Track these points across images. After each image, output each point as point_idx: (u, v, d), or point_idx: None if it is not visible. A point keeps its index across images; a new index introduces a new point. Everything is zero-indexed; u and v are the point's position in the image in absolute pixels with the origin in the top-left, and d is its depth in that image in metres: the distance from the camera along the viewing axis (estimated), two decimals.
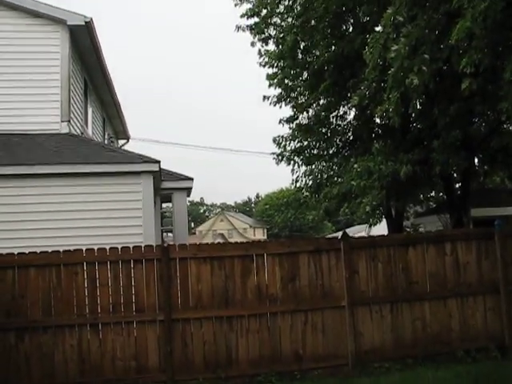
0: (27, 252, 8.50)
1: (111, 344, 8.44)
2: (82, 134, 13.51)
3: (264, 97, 16.37)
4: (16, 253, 8.45)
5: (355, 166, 12.68)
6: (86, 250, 8.55)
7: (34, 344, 8.27)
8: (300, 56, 15.57)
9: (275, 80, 16.31)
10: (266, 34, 15.90)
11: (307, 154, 16.61)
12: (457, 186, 15.99)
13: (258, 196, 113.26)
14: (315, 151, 16.67)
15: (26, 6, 12.35)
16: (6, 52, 12.12)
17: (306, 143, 16.59)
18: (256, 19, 15.57)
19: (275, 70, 16.47)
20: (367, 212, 12.41)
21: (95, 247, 8.60)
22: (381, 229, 16.80)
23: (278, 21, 15.68)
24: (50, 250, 8.52)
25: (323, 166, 16.78)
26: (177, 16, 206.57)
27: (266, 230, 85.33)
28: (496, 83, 10.23)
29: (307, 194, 17.24)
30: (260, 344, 8.76)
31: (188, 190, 14.57)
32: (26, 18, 12.45)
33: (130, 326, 8.53)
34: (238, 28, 15.83)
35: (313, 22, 14.01)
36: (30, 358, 8.23)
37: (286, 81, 16.30)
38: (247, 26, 15.75)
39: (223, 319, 8.73)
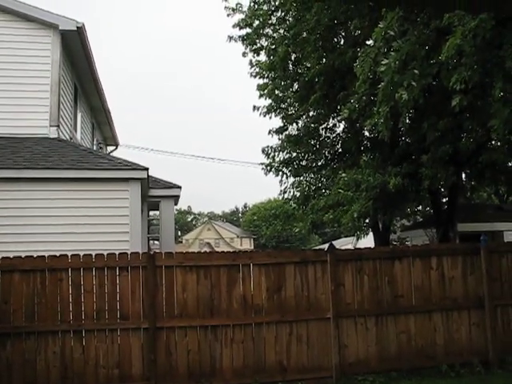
0: (11, 256, 8.43)
1: (94, 351, 8.37)
2: (70, 139, 13.44)
3: (254, 107, 16.41)
4: (0, 257, 8.37)
5: (343, 175, 12.73)
6: (72, 255, 8.49)
7: (17, 350, 8.18)
8: (291, 67, 15.66)
9: (266, 90, 16.36)
10: (258, 44, 15.97)
11: (296, 166, 16.66)
12: (444, 200, 16.10)
13: (245, 206, 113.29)
14: (304, 163, 16.73)
15: (19, 10, 12.29)
16: None
17: (294, 154, 16.64)
18: (248, 30, 15.64)
19: (266, 80, 16.53)
20: (353, 219, 12.40)
21: (81, 253, 8.54)
22: (367, 242, 16.83)
23: (270, 32, 15.76)
24: (35, 255, 8.45)
25: (311, 178, 16.84)
26: (172, 24, 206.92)
27: (253, 241, 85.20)
28: (485, 100, 10.34)
29: (295, 205, 17.26)
30: (244, 354, 8.74)
31: (175, 198, 14.52)
32: (17, 21, 12.39)
33: (113, 333, 8.47)
34: (231, 38, 15.89)
35: (304, 34, 14.10)
36: (12, 364, 8.14)
37: (277, 92, 16.36)
38: (239, 37, 15.82)
39: (208, 328, 8.70)
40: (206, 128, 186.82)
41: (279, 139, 16.96)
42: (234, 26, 15.61)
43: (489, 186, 16.38)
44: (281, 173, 16.67)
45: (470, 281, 9.59)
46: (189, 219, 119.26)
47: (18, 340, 8.21)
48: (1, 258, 8.37)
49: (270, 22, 15.49)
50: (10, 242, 9.66)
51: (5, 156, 10.82)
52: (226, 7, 15.62)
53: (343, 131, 16.21)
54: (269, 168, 16.74)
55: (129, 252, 8.89)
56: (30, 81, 12.17)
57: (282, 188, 16.90)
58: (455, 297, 9.50)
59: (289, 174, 16.77)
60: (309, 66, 14.85)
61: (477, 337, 9.45)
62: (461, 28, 8.18)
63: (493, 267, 9.62)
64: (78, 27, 12.40)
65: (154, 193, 13.45)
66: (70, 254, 8.52)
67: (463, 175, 14.90)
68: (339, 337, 8.96)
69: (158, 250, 12.81)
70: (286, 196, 17.09)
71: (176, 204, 15.14)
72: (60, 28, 12.36)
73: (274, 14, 15.29)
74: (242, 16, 15.51)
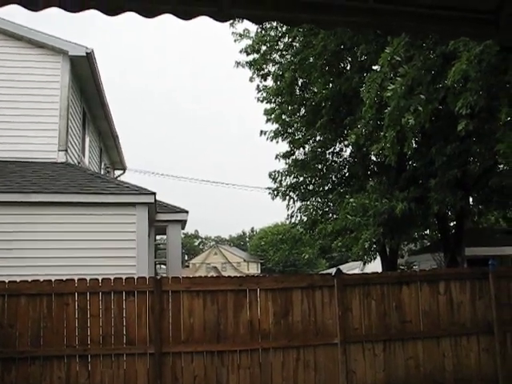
0: (18, 280, 8.42)
1: (100, 376, 8.31)
2: (78, 163, 13.54)
3: (261, 131, 16.51)
4: (7, 281, 8.38)
5: (351, 200, 12.72)
6: (78, 279, 8.48)
7: (21, 375, 8.13)
8: (298, 92, 15.79)
9: (273, 115, 16.48)
10: (265, 70, 16.11)
11: (302, 190, 16.69)
12: (451, 224, 16.03)
13: (252, 230, 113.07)
14: (311, 187, 16.76)
15: (30, 37, 12.49)
16: (6, 80, 12.21)
17: (301, 179, 16.68)
18: (255, 55, 15.80)
19: (273, 105, 16.65)
20: (365, 248, 12.39)
21: (88, 277, 8.53)
22: (375, 266, 16.75)
23: (277, 57, 15.91)
24: (41, 279, 8.45)
25: (318, 202, 16.83)
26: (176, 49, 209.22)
27: (260, 265, 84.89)
28: (492, 123, 10.36)
29: (302, 229, 17.24)
30: (251, 380, 8.65)
31: (182, 223, 14.53)
32: (28, 47, 12.58)
33: (119, 358, 8.41)
34: (238, 64, 16.05)
35: (311, 59, 14.23)
36: None
37: (284, 116, 16.47)
38: (246, 62, 15.98)
39: (214, 354, 8.63)
40: (213, 152, 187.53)
41: (286, 163, 17.03)
42: (241, 52, 15.78)
43: (496, 209, 16.30)
44: (288, 197, 16.70)
45: (478, 306, 9.50)
46: (196, 243, 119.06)
47: (23, 364, 8.16)
48: (7, 281, 8.37)
49: (277, 47, 15.66)
50: (17, 266, 9.67)
51: (13, 180, 10.90)
52: (233, 33, 15.81)
53: (350, 156, 16.26)
54: (276, 192, 16.78)
55: (135, 276, 8.88)
56: (39, 106, 12.30)
57: (289, 212, 16.92)
58: (463, 322, 9.41)
59: (296, 199, 16.80)
60: (316, 90, 14.96)
61: (486, 363, 9.33)
62: (466, 53, 8.25)
63: (502, 292, 9.52)
64: (87, 53, 12.58)
65: (161, 217, 13.46)
66: (76, 278, 8.51)
67: (471, 199, 14.86)
68: (347, 362, 8.86)
69: (164, 275, 12.79)
70: (293, 220, 17.09)
71: (183, 228, 15.15)
72: (69, 54, 12.54)
73: (281, 39, 15.47)
74: (249, 42, 15.69)
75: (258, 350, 8.78)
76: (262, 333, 8.83)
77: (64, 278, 8.52)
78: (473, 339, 9.37)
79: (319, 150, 16.11)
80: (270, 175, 16.90)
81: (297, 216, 16.90)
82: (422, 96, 9.38)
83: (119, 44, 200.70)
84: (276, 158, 16.98)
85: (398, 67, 9.68)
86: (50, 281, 8.44)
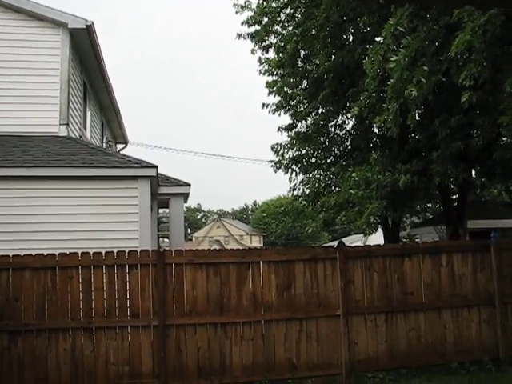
0: (22, 254, 8.47)
1: (105, 348, 8.40)
2: (80, 137, 13.50)
3: (263, 104, 16.42)
4: (11, 255, 8.43)
5: (353, 174, 12.70)
6: (82, 253, 8.53)
7: (27, 347, 8.23)
8: (300, 64, 15.65)
9: (275, 88, 16.38)
10: (267, 42, 15.95)
11: (305, 163, 16.65)
12: (454, 197, 16.03)
13: (255, 203, 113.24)
14: (313, 160, 16.71)
15: (28, 9, 12.36)
16: (6, 54, 12.13)
17: (304, 152, 16.64)
18: (257, 27, 15.63)
19: (275, 77, 16.53)
20: (369, 221, 12.40)
21: (91, 251, 8.58)
22: (377, 239, 16.83)
23: (279, 29, 15.74)
24: (45, 253, 8.50)
25: (321, 175, 16.81)
26: (181, 22, 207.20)
27: (262, 238, 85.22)
28: (495, 95, 10.28)
29: (304, 202, 17.26)
30: (254, 351, 8.74)
31: (185, 196, 14.55)
32: (27, 20, 12.46)
33: (123, 330, 8.49)
34: (239, 36, 15.89)
35: (313, 31, 14.08)
36: (22, 361, 8.19)
37: (286, 89, 16.36)
38: (248, 34, 15.82)
39: (218, 326, 8.71)
40: (215, 125, 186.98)
41: (288, 136, 16.97)
42: (242, 24, 15.61)
43: (499, 182, 16.27)
44: (290, 170, 16.68)
45: (480, 278, 9.54)
46: (198, 217, 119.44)
47: (28, 337, 8.25)
48: (11, 255, 8.42)
49: (278, 19, 15.48)
50: (20, 240, 9.72)
51: (15, 154, 10.88)
52: (234, 4, 15.63)
53: (352, 128, 16.18)
54: (278, 165, 16.75)
55: (138, 250, 8.92)
56: (40, 79, 12.24)
57: (292, 185, 16.93)
58: (465, 294, 9.46)
59: (298, 172, 16.78)
60: (318, 63, 14.83)
61: (487, 334, 9.41)
62: (470, 24, 8.14)
63: (503, 264, 9.56)
64: (87, 25, 12.46)
65: (163, 190, 13.48)
66: (80, 251, 8.56)
67: (473, 172, 14.82)
68: (349, 334, 8.94)
69: (167, 248, 12.85)
70: (295, 193, 17.11)
71: (185, 202, 15.17)
72: (69, 26, 12.42)
73: (283, 11, 15.27)
74: (251, 13, 15.50)
75: (261, 321, 8.86)
76: (264, 305, 8.90)
77: (67, 251, 8.57)
78: (474, 311, 9.44)
79: (321, 122, 16.03)
80: (272, 148, 16.86)
81: (299, 189, 16.92)
82: (426, 67, 9.28)
83: (128, 17, 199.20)
84: (278, 130, 16.93)
85: (401, 38, 9.56)
86: (54, 254, 8.49)
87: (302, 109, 16.43)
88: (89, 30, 12.58)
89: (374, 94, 11.39)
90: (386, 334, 9.11)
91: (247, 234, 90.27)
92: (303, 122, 16.60)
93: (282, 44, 15.38)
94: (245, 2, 15.61)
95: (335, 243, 9.77)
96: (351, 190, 12.51)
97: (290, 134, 16.90)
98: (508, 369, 8.98)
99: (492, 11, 7.66)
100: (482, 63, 8.55)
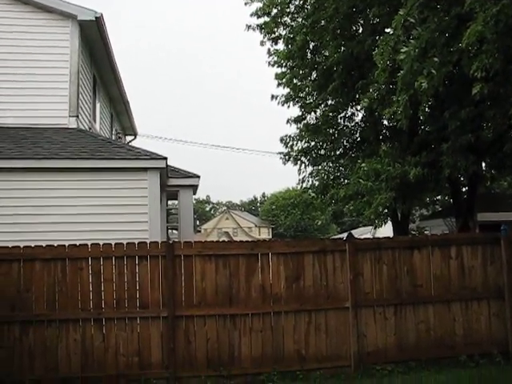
0: (33, 246, 8.53)
1: (114, 339, 8.46)
2: (89, 129, 13.54)
3: (272, 96, 16.35)
4: (22, 246, 8.48)
5: (363, 165, 12.65)
6: (92, 244, 8.57)
7: (38, 337, 8.30)
8: (309, 56, 15.56)
9: (284, 79, 16.30)
10: (276, 33, 15.88)
11: (314, 155, 16.60)
12: (463, 189, 15.94)
13: (264, 195, 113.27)
14: (322, 152, 16.66)
15: (37, 1, 12.36)
16: (15, 46, 12.15)
17: (313, 143, 16.57)
18: (266, 18, 15.56)
19: (284, 69, 16.46)
20: (377, 212, 12.34)
21: (100, 242, 8.62)
22: (386, 231, 16.78)
23: (288, 20, 15.66)
24: (55, 244, 8.54)
25: (330, 167, 16.76)
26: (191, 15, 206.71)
27: (271, 230, 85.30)
28: (507, 87, 10.19)
29: (314, 194, 17.22)
30: (263, 343, 8.77)
31: (194, 188, 14.57)
32: (36, 12, 12.46)
33: (133, 321, 8.55)
34: (248, 27, 15.81)
35: (323, 22, 13.99)
36: (33, 351, 8.27)
37: (295, 80, 16.28)
38: (257, 26, 15.74)
39: (227, 317, 8.73)
40: (221, 115, 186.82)
41: (297, 128, 16.90)
42: (251, 15, 15.53)
43: (510, 175, 16.16)
44: (299, 162, 16.63)
45: (489, 271, 9.50)
46: (207, 208, 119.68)
47: (39, 327, 8.32)
48: (22, 247, 8.47)
49: (288, 10, 15.39)
50: (30, 232, 9.77)
51: (25, 146, 10.93)
52: None
53: (362, 120, 16.10)
54: (287, 157, 16.71)
55: (148, 241, 8.95)
56: (49, 71, 12.26)
57: (301, 177, 16.87)
58: (474, 286, 9.43)
59: (307, 163, 16.72)
60: (327, 54, 14.74)
61: (496, 327, 9.37)
62: (482, 14, 8.04)
63: None
64: (96, 17, 12.45)
65: (172, 182, 13.50)
66: (89, 243, 8.60)
67: (483, 164, 14.72)
68: (358, 326, 8.95)
69: (176, 239, 12.88)
70: (304, 185, 17.05)
71: (194, 193, 15.19)
72: (78, 18, 12.41)
73: (292, 2, 15.18)
74: (260, 4, 15.43)
75: (270, 313, 8.87)
76: (273, 297, 8.91)
77: (78, 243, 8.62)
78: (483, 304, 9.41)
79: (331, 114, 15.95)
80: (281, 140, 16.80)
81: (308, 181, 16.86)
82: (436, 59, 9.19)
83: (135, 7, 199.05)
84: (287, 122, 16.85)
85: (411, 29, 9.48)
86: (64, 246, 8.54)
87: (311, 100, 16.35)
88: (98, 21, 12.57)
89: (383, 86, 11.30)
90: (395, 327, 9.10)
91: (256, 225, 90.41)
92: (312, 113, 16.51)
93: (292, 35, 15.29)
94: None
95: (344, 235, 9.75)
96: (360, 180, 12.46)
97: (299, 125, 16.84)
98: None
99: (505, 1, 7.58)
100: (493, 54, 8.45)
